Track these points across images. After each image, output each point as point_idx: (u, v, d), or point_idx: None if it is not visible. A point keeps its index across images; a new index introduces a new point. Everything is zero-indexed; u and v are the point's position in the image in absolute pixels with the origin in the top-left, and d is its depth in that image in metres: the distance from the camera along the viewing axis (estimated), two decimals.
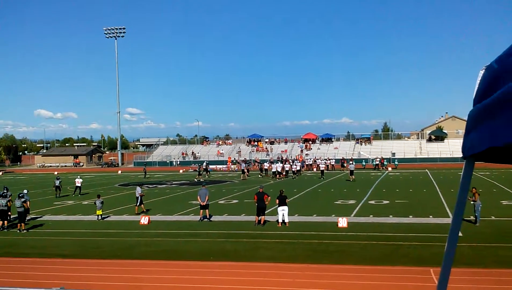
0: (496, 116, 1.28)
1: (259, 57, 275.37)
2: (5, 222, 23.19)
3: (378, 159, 69.10)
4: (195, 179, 54.11)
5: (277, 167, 54.21)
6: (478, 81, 1.54)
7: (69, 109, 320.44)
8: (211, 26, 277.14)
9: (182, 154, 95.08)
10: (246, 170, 55.31)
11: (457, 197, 1.69)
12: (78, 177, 40.67)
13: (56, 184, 37.61)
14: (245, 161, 63.76)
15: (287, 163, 57.53)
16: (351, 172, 48.80)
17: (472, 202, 20.89)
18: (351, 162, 52.67)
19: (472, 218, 21.21)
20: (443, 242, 16.90)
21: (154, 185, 47.32)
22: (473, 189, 21.37)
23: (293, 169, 56.44)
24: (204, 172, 58.80)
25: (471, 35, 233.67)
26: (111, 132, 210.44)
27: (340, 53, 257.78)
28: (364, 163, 70.88)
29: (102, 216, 25.46)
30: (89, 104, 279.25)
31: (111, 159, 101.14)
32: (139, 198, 26.90)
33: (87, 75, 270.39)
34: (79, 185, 38.87)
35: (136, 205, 27.05)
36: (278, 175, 53.02)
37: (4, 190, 25.22)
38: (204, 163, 63.78)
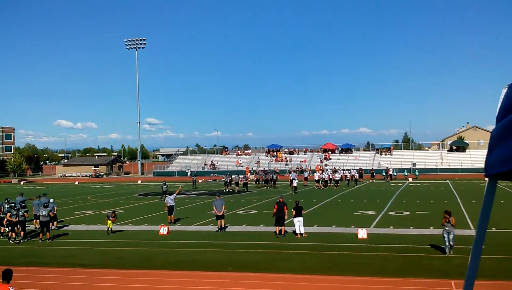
0: None
1: (279, 67, 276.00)
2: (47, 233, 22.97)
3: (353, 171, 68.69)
4: (231, 189, 53.52)
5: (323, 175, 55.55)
6: (501, 99, 1.54)
7: (89, 119, 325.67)
8: (229, 37, 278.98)
9: (206, 164, 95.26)
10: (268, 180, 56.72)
11: (480, 211, 1.70)
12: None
13: (164, 189, 41.05)
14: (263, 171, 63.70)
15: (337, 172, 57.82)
16: (291, 182, 48.82)
17: (447, 228, 17.28)
18: (292, 172, 54.57)
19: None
20: (464, 254, 16.68)
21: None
22: (446, 214, 17.59)
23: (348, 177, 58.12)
24: (234, 184, 56.06)
25: (494, 45, 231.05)
26: (131, 142, 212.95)
27: (358, 63, 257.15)
28: (384, 174, 70.09)
29: (112, 229, 24.29)
30: (108, 114, 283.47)
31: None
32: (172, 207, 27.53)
33: (107, 86, 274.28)
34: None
35: (171, 215, 27.47)
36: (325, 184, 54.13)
37: (43, 199, 26.29)
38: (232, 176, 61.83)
